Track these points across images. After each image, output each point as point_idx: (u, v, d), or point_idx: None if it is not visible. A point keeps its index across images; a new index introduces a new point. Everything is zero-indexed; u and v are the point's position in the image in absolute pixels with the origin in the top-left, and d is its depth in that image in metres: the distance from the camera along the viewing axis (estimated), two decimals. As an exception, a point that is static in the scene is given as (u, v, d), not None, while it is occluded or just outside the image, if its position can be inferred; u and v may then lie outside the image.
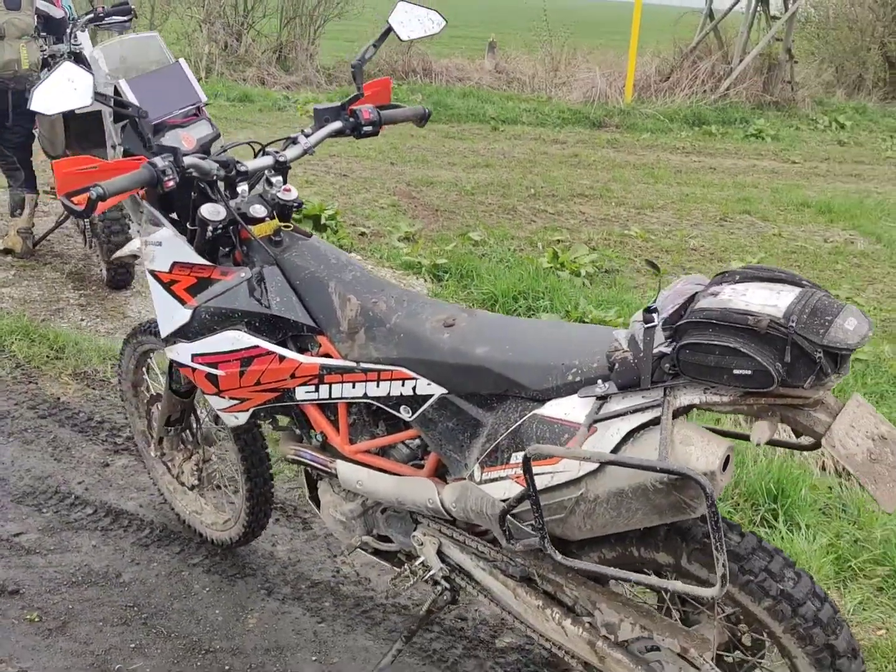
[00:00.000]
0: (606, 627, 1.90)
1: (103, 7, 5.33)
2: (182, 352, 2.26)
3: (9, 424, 3.51)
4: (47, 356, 4.03)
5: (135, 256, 3.38)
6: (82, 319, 4.45)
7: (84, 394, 3.78)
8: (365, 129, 2.38)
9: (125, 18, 5.38)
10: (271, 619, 2.60)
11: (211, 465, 2.77)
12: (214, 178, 2.15)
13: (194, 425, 2.74)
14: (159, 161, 2.01)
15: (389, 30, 2.41)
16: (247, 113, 11.62)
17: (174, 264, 2.25)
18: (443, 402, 1.97)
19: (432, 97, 13.24)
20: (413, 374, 1.99)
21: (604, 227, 7.26)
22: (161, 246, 2.27)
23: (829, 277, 6.17)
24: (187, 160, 2.07)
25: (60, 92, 1.98)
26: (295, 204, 2.30)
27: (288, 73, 14.67)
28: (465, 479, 1.96)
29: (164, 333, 2.30)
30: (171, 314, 2.27)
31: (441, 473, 2.11)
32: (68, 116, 4.50)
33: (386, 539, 2.32)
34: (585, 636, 1.92)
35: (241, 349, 2.17)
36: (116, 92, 2.21)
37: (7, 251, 5.21)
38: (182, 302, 2.25)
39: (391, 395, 2.04)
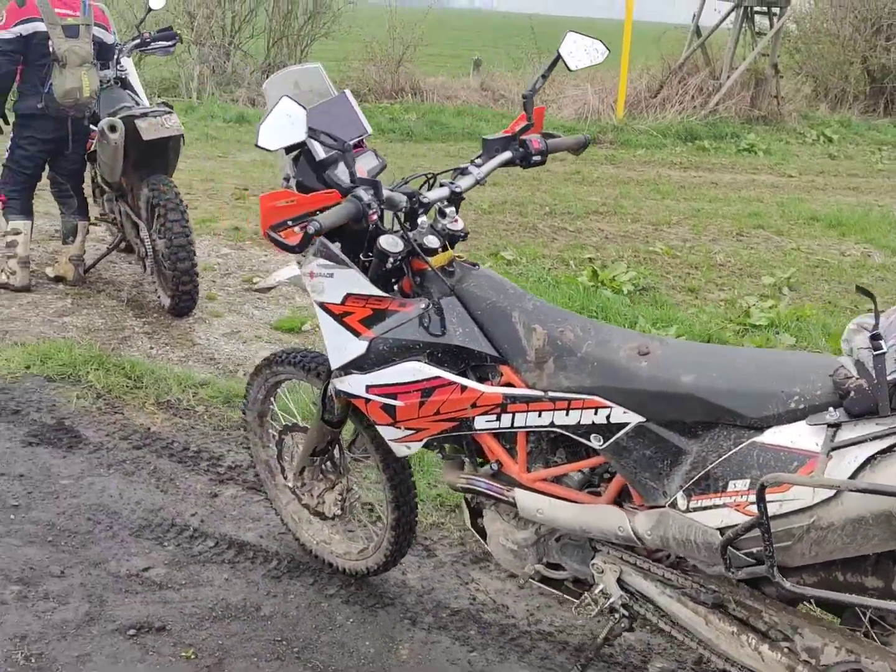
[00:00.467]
0: (807, 652, 1.92)
1: (149, 33, 5.32)
2: (355, 383, 2.26)
3: (105, 456, 3.48)
4: (126, 385, 3.99)
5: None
6: (151, 348, 4.41)
7: (172, 423, 3.75)
8: (534, 158, 2.41)
9: (170, 43, 5.38)
10: (422, 649, 2.60)
11: (353, 494, 2.77)
12: (403, 209, 2.16)
13: (337, 455, 2.73)
14: (364, 195, 2.03)
15: (558, 59, 2.43)
16: (245, 134, 11.59)
17: (347, 296, 2.25)
18: (640, 430, 1.99)
19: (427, 116, 13.30)
20: (608, 403, 2.01)
21: (627, 244, 7.33)
22: (332, 277, 2.27)
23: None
24: (384, 193, 2.09)
25: (281, 127, 1.99)
26: (462, 234, 2.32)
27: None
28: (662, 506, 1.98)
29: (335, 365, 2.30)
30: (344, 346, 2.27)
31: (619, 500, 2.14)
32: (127, 143, 4.49)
33: (556, 566, 2.33)
34: (785, 661, 1.94)
35: (422, 380, 2.17)
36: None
37: (59, 278, 5.16)
38: (356, 333, 2.25)
39: (581, 423, 2.05)
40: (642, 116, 13.78)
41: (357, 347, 2.24)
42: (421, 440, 2.28)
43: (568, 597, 2.33)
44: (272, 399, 2.93)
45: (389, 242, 2.17)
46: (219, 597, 2.76)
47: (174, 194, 4.54)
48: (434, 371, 2.17)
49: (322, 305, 2.30)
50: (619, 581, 2.19)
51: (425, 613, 2.74)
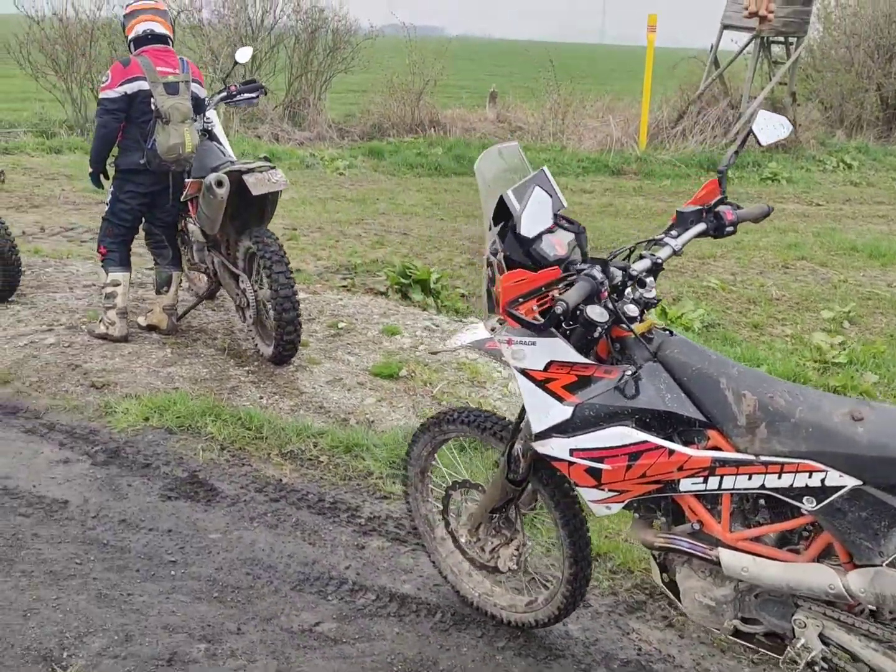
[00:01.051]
0: None
1: (236, 85, 5.43)
2: (558, 446, 2.35)
3: (245, 509, 3.55)
4: (246, 436, 4.07)
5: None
6: (261, 397, 4.49)
7: (301, 474, 3.83)
8: (727, 230, 2.52)
9: (254, 95, 5.49)
10: (604, 699, 2.68)
11: (527, 549, 2.85)
12: (618, 283, 2.27)
13: (512, 512, 2.81)
14: (597, 273, 2.14)
15: (749, 135, 2.55)
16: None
17: (551, 363, 2.34)
18: (856, 493, 2.08)
19: (452, 150, 13.46)
20: (823, 467, 2.10)
21: (680, 279, 7.45)
22: (535, 345, 2.36)
23: (922, 324, 6.41)
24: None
25: (537, 214, 2.10)
26: (655, 301, 2.43)
27: (300, 129, 14.80)
28: (877, 565, 2.07)
29: (536, 429, 2.39)
30: (547, 411, 2.36)
31: (821, 557, 2.23)
32: (230, 197, 4.59)
33: (752, 621, 2.42)
34: None
35: (630, 444, 2.27)
36: (500, 202, 2.32)
37: (152, 328, 5.24)
38: (560, 399, 2.34)
39: (794, 486, 2.14)
40: (664, 147, 13.97)
41: (561, 413, 2.33)
42: (622, 501, 2.37)
43: (764, 650, 2.41)
44: (435, 455, 3.02)
45: (597, 313, 2.26)
46: (395, 651, 2.84)
47: (278, 246, 4.64)
48: (642, 436, 2.26)
49: (522, 371, 2.39)
50: (821, 635, 2.27)
51: (597, 665, 2.82)
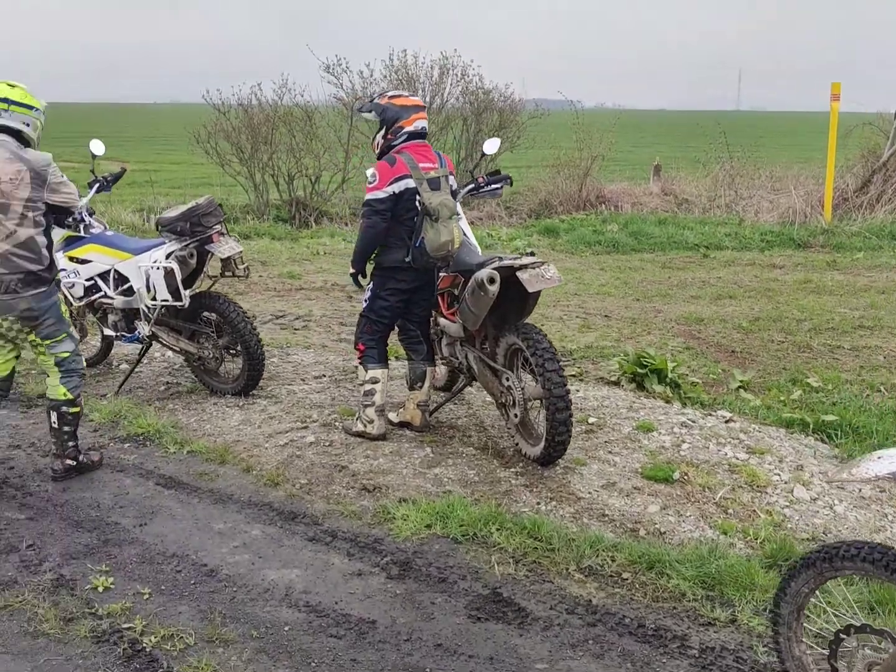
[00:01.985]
0: None
1: (483, 176, 5.35)
2: None
3: (562, 634, 3.30)
4: (537, 548, 3.85)
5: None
6: (538, 503, 4.27)
7: (608, 594, 3.56)
8: None
9: (499, 186, 5.40)
10: None
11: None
12: None
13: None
14: None
15: None
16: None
17: None
18: None
19: (629, 226, 13.25)
20: None
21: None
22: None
23: None
24: None
25: None
26: None
27: (470, 209, 14.90)
28: None
29: None
30: None
31: None
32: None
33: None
34: None
35: None
36: None
37: (404, 424, 5.13)
38: None
39: None
40: (850, 217, 13.39)
41: None
42: None
43: None
44: (817, 592, 2.71)
45: None
46: None
47: (548, 343, 4.46)
48: None
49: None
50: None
51: None
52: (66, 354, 4.55)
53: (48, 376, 4.60)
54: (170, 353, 6.70)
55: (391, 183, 4.77)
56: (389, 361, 5.25)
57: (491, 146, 5.41)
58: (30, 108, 4.37)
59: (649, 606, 3.50)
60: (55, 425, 4.57)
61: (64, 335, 4.53)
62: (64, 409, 4.56)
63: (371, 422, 4.96)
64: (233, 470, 4.64)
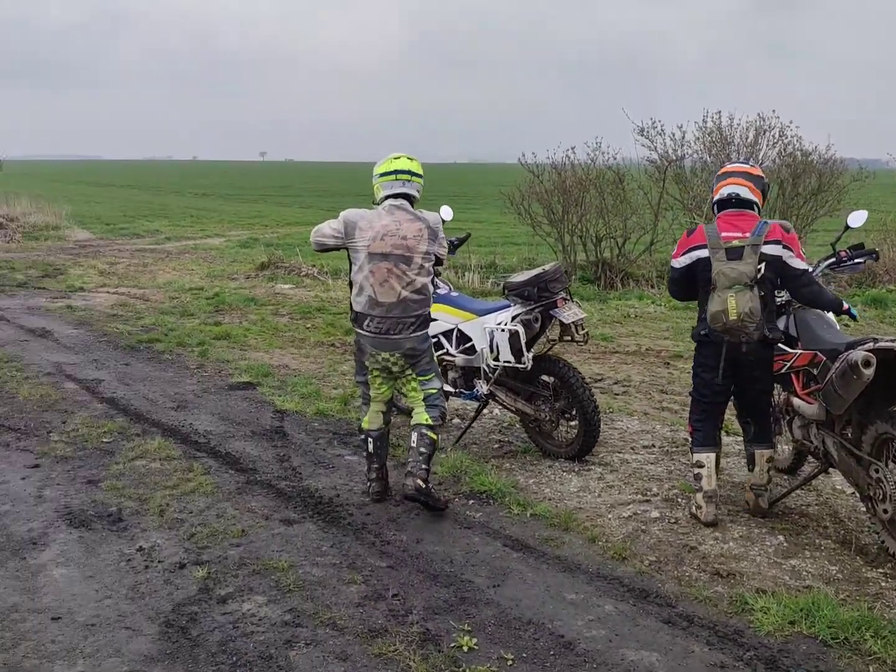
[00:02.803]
0: None
1: (847, 251, 5.07)
2: None
3: None
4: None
5: None
6: (914, 611, 3.91)
7: None
8: None
9: (862, 261, 5.09)
10: None
11: None
12: None
13: None
14: None
15: None
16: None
17: None
18: None
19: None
20: None
21: None
22: None
23: None
24: None
25: None
26: None
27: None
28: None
29: None
30: None
31: None
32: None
33: None
34: None
35: None
36: None
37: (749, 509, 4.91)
38: None
39: None
40: None
41: None
42: None
43: None
44: None
45: None
46: None
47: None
48: None
49: None
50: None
51: None
52: (434, 391, 5.16)
53: (414, 409, 5.19)
54: (498, 410, 6.88)
55: (684, 253, 4.85)
56: (728, 439, 5.06)
57: (857, 219, 5.12)
58: (421, 177, 5.11)
59: None
60: (414, 444, 5.06)
61: (433, 374, 5.17)
62: (424, 430, 5.07)
63: (700, 507, 4.78)
64: (577, 538, 4.63)
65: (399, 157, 5.05)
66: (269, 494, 5.22)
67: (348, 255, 5.07)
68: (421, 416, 5.10)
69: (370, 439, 5.22)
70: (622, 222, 14.57)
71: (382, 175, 5.03)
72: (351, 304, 5.09)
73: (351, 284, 5.06)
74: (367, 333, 4.99)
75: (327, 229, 5.03)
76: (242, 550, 4.47)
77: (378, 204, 5.08)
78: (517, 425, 6.49)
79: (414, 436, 5.07)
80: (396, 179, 5.02)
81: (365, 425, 5.24)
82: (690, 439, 4.98)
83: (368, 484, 5.21)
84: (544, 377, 5.89)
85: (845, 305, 4.77)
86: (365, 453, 5.30)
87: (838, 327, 4.92)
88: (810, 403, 4.76)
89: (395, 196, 5.02)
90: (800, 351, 4.81)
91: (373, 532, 4.75)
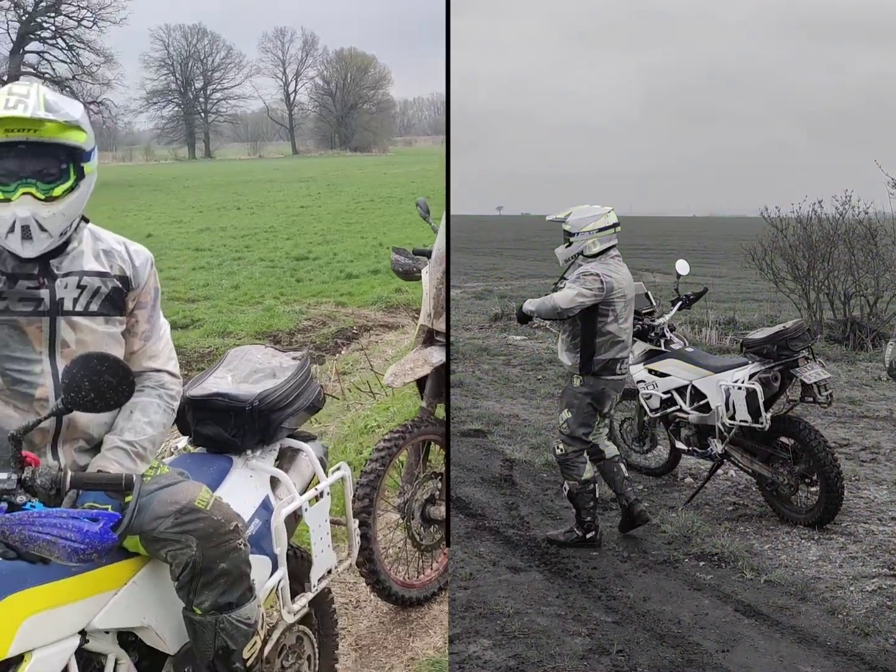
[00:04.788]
0: None
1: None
2: None
3: None
4: None
5: None
6: None
7: None
8: None
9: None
10: None
11: None
12: None
13: None
14: None
15: None
16: None
17: None
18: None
19: None
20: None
21: None
22: None
23: None
24: None
25: None
26: None
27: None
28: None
29: None
30: None
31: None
32: None
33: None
34: None
35: None
36: None
37: None
38: None
39: None
40: None
41: None
42: None
43: None
44: None
45: None
46: None
47: None
48: None
49: None
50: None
51: None
52: None
53: (599, 444, 5.50)
54: (733, 472, 6.66)
55: None
56: None
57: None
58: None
59: None
60: (623, 474, 5.48)
61: None
62: (616, 458, 5.55)
63: None
64: (815, 609, 4.39)
65: (611, 211, 5.27)
66: (496, 541, 5.33)
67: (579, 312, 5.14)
68: (610, 448, 5.56)
69: (594, 485, 5.31)
70: (874, 279, 13.72)
71: (601, 230, 5.21)
72: (588, 358, 5.18)
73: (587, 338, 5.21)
74: (618, 378, 5.27)
75: (583, 292, 5.07)
76: (470, 594, 4.58)
77: (592, 257, 5.23)
78: (753, 488, 6.24)
79: (623, 467, 5.52)
80: (615, 233, 5.29)
81: (587, 475, 5.27)
82: None
83: (594, 530, 5.31)
84: (783, 439, 5.65)
85: None
86: (591, 503, 5.26)
87: None
88: None
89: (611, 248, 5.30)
90: None
91: (598, 586, 4.72)
